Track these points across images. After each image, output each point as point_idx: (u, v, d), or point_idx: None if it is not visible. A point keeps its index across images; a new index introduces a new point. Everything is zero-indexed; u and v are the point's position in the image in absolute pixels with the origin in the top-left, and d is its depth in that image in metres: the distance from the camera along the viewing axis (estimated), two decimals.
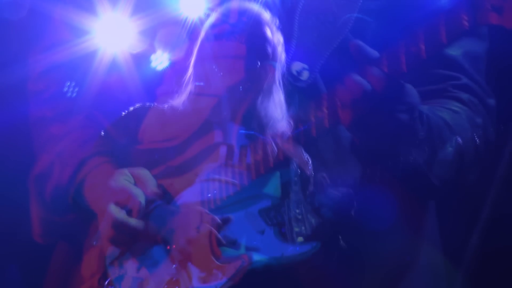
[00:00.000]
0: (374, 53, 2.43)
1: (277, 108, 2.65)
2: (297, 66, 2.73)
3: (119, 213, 2.83)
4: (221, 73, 2.89)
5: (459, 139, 2.67)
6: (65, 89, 3.24)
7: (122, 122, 3.14)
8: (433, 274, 2.95)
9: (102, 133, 3.13)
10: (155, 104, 3.06)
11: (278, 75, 2.71)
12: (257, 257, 2.64)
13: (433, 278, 2.95)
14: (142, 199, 2.83)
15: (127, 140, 3.13)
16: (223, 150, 2.71)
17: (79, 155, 3.11)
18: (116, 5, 3.14)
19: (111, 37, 3.15)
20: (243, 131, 2.74)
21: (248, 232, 2.69)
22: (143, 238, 2.86)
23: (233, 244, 2.69)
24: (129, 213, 2.83)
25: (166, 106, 3.01)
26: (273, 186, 2.70)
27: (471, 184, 2.81)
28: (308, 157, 2.57)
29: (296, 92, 2.75)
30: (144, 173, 2.91)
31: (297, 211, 2.70)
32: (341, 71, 2.67)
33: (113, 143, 3.14)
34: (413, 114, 2.46)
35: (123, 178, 2.88)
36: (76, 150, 3.13)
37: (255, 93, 2.75)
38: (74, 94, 3.24)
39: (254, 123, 2.72)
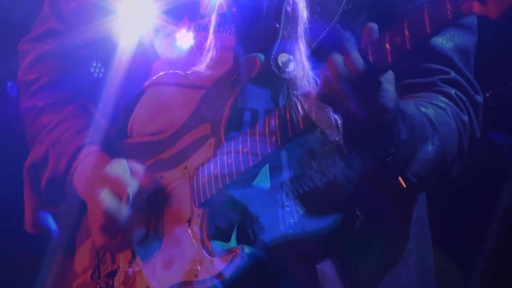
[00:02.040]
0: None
1: (299, 66, 2.62)
2: (283, 57, 2.71)
3: (110, 200, 2.83)
4: (210, 65, 2.88)
5: (442, 137, 2.67)
6: (92, 69, 3.23)
7: (113, 114, 3.14)
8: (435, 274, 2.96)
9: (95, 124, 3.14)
10: (145, 95, 3.06)
11: (300, 32, 2.69)
12: (277, 233, 2.63)
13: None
14: (133, 188, 2.81)
15: (118, 132, 3.13)
16: (247, 116, 2.69)
17: (73, 144, 3.10)
18: None
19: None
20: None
21: (270, 207, 2.66)
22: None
23: (255, 220, 2.67)
24: (120, 201, 2.82)
25: (157, 97, 3.01)
26: (295, 157, 2.65)
27: (452, 181, 2.81)
28: (338, 118, 2.50)
29: (284, 82, 2.73)
30: (140, 167, 2.90)
31: (286, 203, 2.69)
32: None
33: (104, 135, 3.14)
34: (386, 115, 2.45)
35: (119, 166, 2.87)
36: (71, 140, 3.12)
37: (243, 85, 2.73)
38: (100, 74, 3.22)
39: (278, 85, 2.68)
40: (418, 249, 2.89)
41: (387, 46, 2.31)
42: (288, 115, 2.58)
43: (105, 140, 3.12)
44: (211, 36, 2.86)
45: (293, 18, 2.70)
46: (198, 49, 2.91)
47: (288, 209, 2.65)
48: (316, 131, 2.60)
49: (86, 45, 3.21)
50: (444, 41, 2.79)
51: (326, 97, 2.47)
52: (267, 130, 2.62)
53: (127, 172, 2.85)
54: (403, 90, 2.73)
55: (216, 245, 2.68)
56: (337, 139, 2.51)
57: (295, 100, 2.57)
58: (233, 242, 2.68)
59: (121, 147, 3.07)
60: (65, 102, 3.24)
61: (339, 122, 2.48)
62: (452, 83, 2.80)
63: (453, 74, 2.80)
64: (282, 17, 2.75)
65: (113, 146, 3.09)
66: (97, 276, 2.98)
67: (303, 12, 2.68)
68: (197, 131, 2.82)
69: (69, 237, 3.17)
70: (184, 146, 2.85)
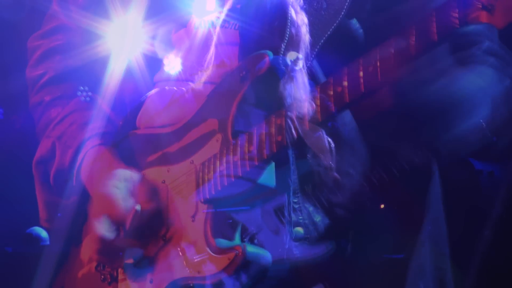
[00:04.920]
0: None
1: (299, 90, 2.61)
2: (292, 55, 2.71)
3: (106, 227, 2.85)
4: (217, 60, 2.89)
5: (482, 111, 2.64)
6: (79, 92, 3.24)
7: (122, 105, 3.16)
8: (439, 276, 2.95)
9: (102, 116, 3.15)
10: (156, 88, 3.07)
11: (302, 53, 2.68)
12: (270, 258, 2.65)
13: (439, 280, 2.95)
14: (126, 211, 2.83)
15: (126, 123, 3.14)
16: (242, 139, 2.68)
17: (79, 137, 3.11)
18: (128, 9, 3.10)
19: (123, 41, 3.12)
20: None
21: (263, 231, 2.67)
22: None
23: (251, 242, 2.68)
24: (116, 227, 2.84)
25: (167, 90, 3.02)
26: (288, 182, 2.67)
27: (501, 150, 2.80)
28: (331, 141, 2.54)
29: (292, 81, 2.73)
30: (139, 179, 2.91)
31: (295, 200, 2.69)
32: (335, 58, 2.66)
33: (111, 126, 3.16)
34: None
35: (116, 186, 2.87)
36: (77, 133, 3.13)
37: (251, 81, 2.73)
38: (88, 98, 3.23)
39: (274, 106, 2.67)
40: (433, 237, 2.90)
41: (393, 52, 2.31)
42: (278, 141, 2.59)
43: (112, 131, 3.13)
44: (215, 37, 2.86)
45: (296, 41, 2.69)
46: (205, 45, 2.92)
47: (282, 235, 2.65)
48: (309, 155, 2.61)
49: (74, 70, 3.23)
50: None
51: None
52: (262, 154, 2.63)
53: (122, 192, 2.86)
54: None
55: (219, 242, 2.69)
56: (330, 163, 2.52)
57: (290, 122, 2.56)
58: (236, 240, 2.69)
59: (130, 138, 3.08)
60: (72, 95, 3.24)
61: (332, 145, 2.48)
62: (489, 51, 2.75)
63: (486, 42, 2.77)
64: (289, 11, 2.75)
65: (120, 138, 3.10)
66: (101, 267, 3.00)
67: (305, 36, 2.66)
68: (204, 126, 2.82)
69: (77, 227, 3.19)
70: (191, 140, 2.85)
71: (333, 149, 2.52)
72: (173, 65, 2.98)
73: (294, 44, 2.72)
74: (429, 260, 2.86)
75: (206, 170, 2.76)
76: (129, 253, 2.90)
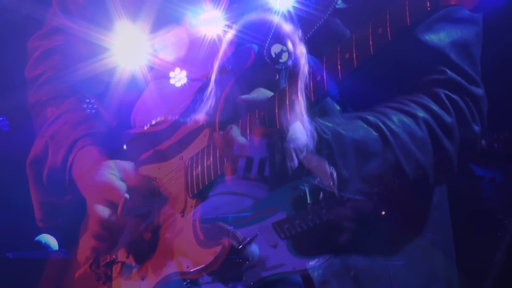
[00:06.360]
0: None
1: (297, 120, 2.57)
2: (276, 48, 2.70)
3: (104, 210, 2.85)
4: (209, 57, 2.89)
5: (397, 149, 2.64)
6: (84, 105, 3.25)
7: (116, 105, 3.17)
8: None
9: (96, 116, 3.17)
10: (149, 87, 3.09)
11: (301, 85, 2.63)
12: (268, 271, 2.64)
13: None
14: (126, 193, 2.83)
15: (120, 123, 3.15)
16: (242, 162, 2.65)
17: (71, 136, 3.13)
18: (135, 22, 3.12)
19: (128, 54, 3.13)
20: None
21: (261, 246, 2.66)
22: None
23: (247, 258, 2.66)
24: (114, 209, 2.84)
25: (160, 88, 3.03)
26: (288, 200, 2.66)
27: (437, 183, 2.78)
28: (333, 170, 2.53)
29: (278, 74, 2.72)
30: (130, 167, 2.92)
31: (294, 214, 2.68)
32: (320, 54, 2.65)
33: (105, 126, 3.17)
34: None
35: (108, 172, 2.89)
36: (69, 132, 3.15)
37: (236, 78, 2.74)
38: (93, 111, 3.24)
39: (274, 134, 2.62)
40: (440, 239, 2.89)
41: (369, 37, 2.31)
42: (280, 164, 2.57)
43: (105, 132, 3.14)
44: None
45: (293, 73, 2.67)
46: (202, 46, 2.92)
47: (280, 248, 2.63)
48: (310, 177, 2.60)
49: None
50: (440, 39, 2.75)
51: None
52: (262, 175, 2.63)
53: (116, 176, 2.87)
54: (399, 90, 2.74)
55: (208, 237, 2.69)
56: (331, 183, 2.51)
57: (291, 151, 2.55)
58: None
59: (124, 138, 3.09)
60: (67, 95, 3.26)
61: (334, 174, 2.49)
62: (446, 83, 2.75)
63: (448, 73, 2.74)
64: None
65: (114, 138, 3.11)
66: (96, 266, 3.01)
67: (304, 67, 2.64)
68: (193, 122, 2.83)
69: (73, 227, 3.21)
70: (181, 137, 2.86)
71: (335, 177, 2.52)
72: (178, 77, 2.98)
73: (292, 75, 2.68)
74: (437, 266, 2.85)
75: (194, 165, 2.76)
76: (123, 248, 2.91)
